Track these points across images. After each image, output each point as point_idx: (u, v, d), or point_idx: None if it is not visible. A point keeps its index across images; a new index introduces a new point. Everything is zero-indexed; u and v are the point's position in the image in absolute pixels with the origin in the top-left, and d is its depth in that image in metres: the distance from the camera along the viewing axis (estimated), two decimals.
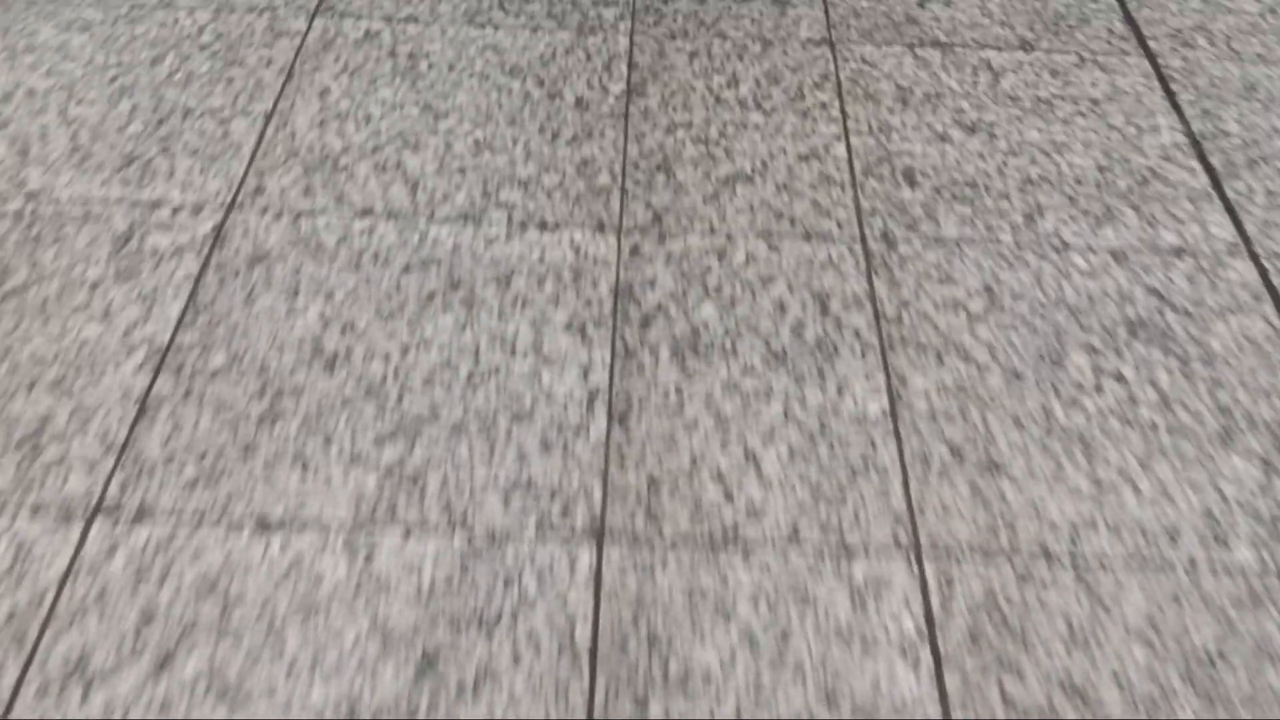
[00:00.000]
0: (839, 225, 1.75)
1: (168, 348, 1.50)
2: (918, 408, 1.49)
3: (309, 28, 2.09)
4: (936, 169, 1.86)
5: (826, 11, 2.23)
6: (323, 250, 1.66)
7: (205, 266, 1.62)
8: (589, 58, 2.07)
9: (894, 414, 1.48)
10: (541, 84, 2.00)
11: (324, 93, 1.95)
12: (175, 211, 1.70)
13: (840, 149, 1.90)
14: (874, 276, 1.67)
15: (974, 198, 1.81)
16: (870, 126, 1.95)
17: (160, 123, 1.86)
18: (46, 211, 1.69)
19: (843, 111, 1.98)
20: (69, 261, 1.62)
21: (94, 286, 1.58)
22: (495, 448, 1.41)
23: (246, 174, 1.78)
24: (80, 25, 2.06)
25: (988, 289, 1.66)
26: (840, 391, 1.50)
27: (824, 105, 1.99)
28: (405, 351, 1.52)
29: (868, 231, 1.74)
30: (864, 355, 1.55)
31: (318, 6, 2.14)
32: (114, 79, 1.94)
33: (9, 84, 1.92)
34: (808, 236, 1.73)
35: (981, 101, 2.01)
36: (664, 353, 1.54)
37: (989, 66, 2.10)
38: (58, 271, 1.60)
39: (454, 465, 1.39)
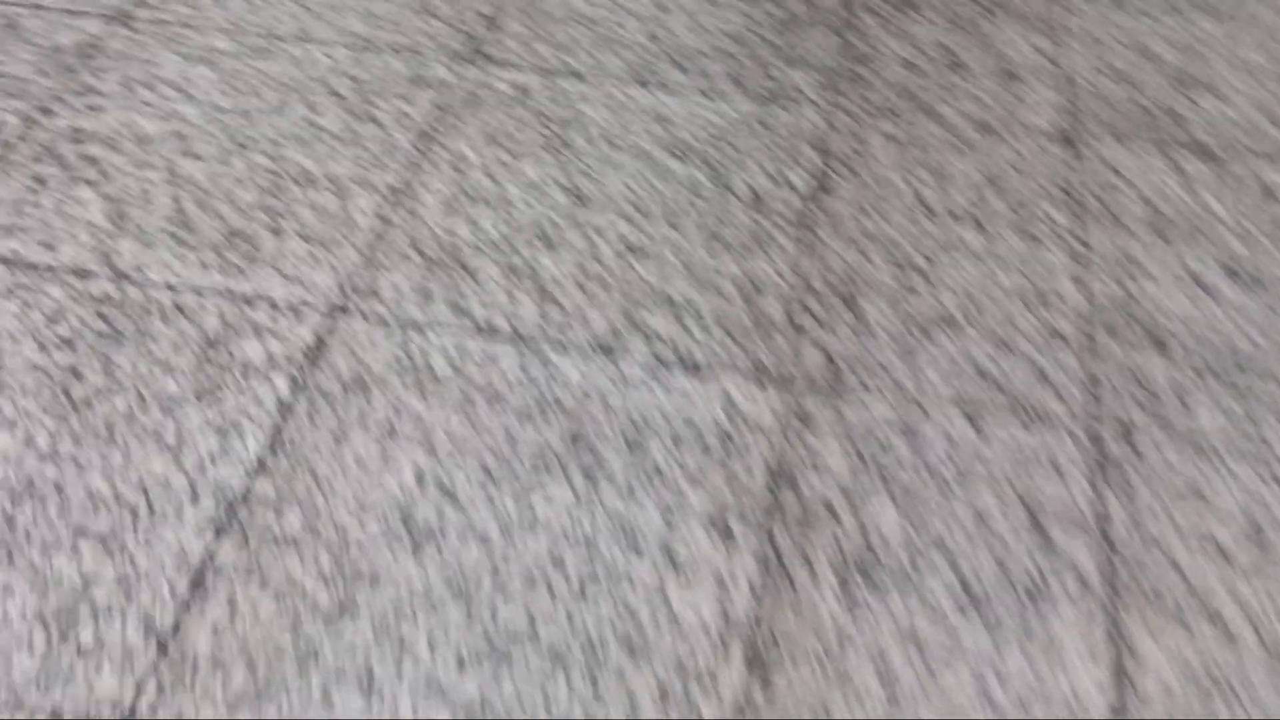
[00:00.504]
0: (1065, 404, 1.40)
1: (240, 499, 1.28)
2: (1148, 694, 1.14)
3: (455, 77, 1.82)
4: (1194, 332, 1.48)
5: (1066, 93, 1.84)
6: (431, 379, 1.40)
7: (297, 389, 1.39)
8: (772, 137, 1.75)
9: (1118, 702, 1.14)
10: (711, 169, 1.69)
11: (461, 163, 1.68)
12: (274, 310, 1.47)
13: (1073, 291, 1.53)
14: (1105, 486, 1.32)
15: (1241, 381, 1.42)
16: (1113, 262, 1.57)
17: (274, 190, 1.63)
18: (134, 299, 1.48)
19: (1080, 237, 1.60)
20: (147, 369, 1.41)
21: (170, 406, 1.37)
22: (600, 690, 1.14)
23: (360, 266, 1.53)
24: (207, 56, 1.85)
25: (1253, 524, 1.28)
26: (1050, 658, 1.17)
27: (1056, 226, 1.62)
28: (508, 533, 1.25)
29: (1101, 417, 1.38)
30: (1084, 604, 1.21)
31: (468, 51, 1.87)
32: (232, 128, 1.72)
33: (119, 125, 1.72)
34: (1024, 416, 1.38)
35: (1257, 240, 1.61)
36: (827, 572, 1.23)
37: (1269, 189, 1.68)
38: (133, 381, 1.39)
39: (546, 709, 1.12)
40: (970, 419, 1.38)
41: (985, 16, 1.98)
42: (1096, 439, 1.36)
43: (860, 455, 1.34)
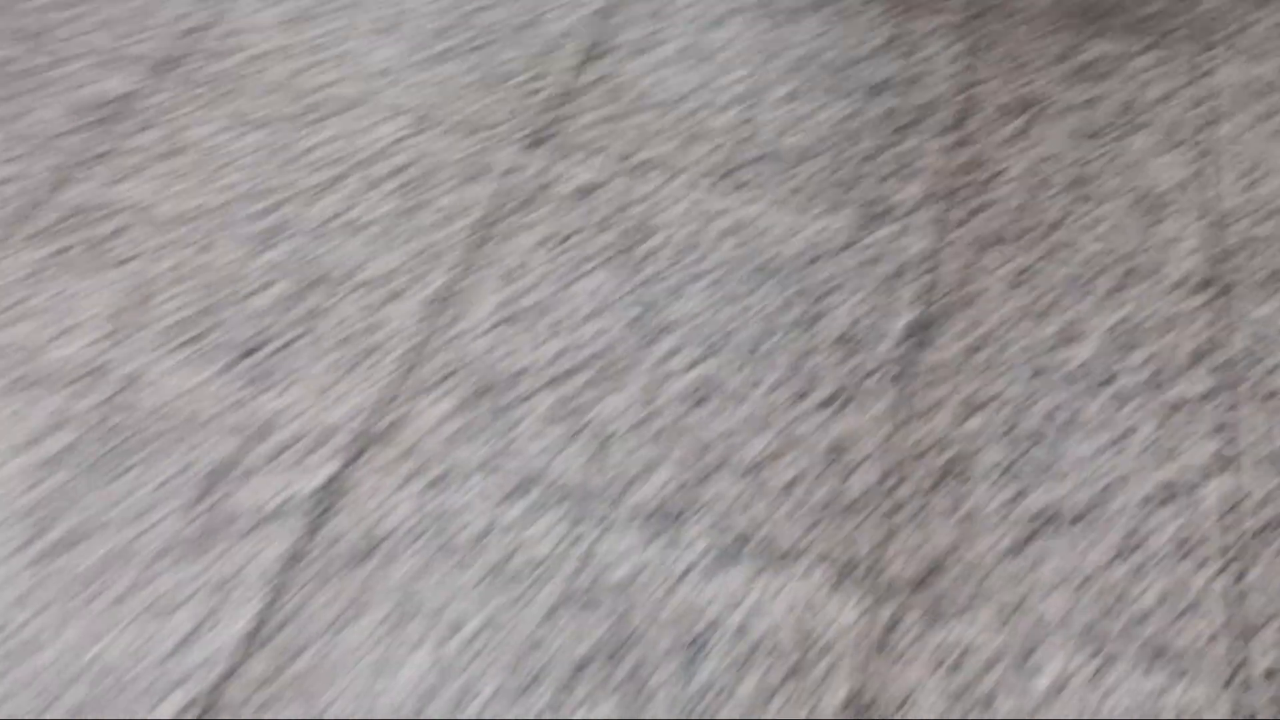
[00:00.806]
0: (1204, 643, 1.17)
1: (224, 686, 1.10)
2: None
3: (521, 164, 1.63)
4: None
5: (1212, 230, 1.60)
6: (453, 551, 1.21)
7: (303, 547, 1.21)
8: (871, 263, 1.53)
9: None
10: (799, 298, 1.48)
11: (515, 271, 1.49)
12: (289, 444, 1.29)
13: (1216, 490, 1.30)
14: None
15: None
16: (1267, 454, 1.33)
17: (307, 289, 1.46)
18: (137, 417, 1.31)
19: (1227, 418, 1.37)
20: (138, 507, 1.23)
21: (157, 557, 1.19)
22: None
23: (391, 392, 1.35)
24: (258, 120, 1.67)
25: None
26: None
27: (1198, 402, 1.38)
28: None
29: (1248, 668, 1.15)
30: None
31: (539, 133, 1.68)
32: (270, 210, 1.55)
33: (151, 196, 1.56)
34: (1155, 659, 1.16)
35: None
36: None
37: None
38: (118, 521, 1.22)
39: None
40: (1090, 654, 1.15)
41: (1121, 128, 1.75)
42: (1243, 699, 1.13)
43: (958, 693, 1.12)
